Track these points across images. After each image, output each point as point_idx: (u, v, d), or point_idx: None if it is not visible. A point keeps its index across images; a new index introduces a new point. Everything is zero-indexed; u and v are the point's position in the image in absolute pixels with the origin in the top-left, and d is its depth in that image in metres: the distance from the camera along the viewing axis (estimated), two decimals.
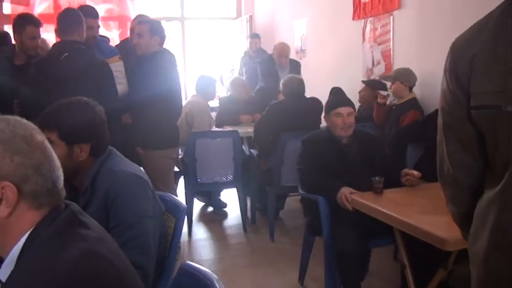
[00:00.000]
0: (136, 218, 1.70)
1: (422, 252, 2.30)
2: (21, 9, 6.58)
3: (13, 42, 3.47)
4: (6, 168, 0.96)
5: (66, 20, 3.03)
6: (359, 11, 4.98)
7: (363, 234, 2.55)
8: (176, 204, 2.01)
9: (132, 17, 7.05)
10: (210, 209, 4.93)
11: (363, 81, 4.38)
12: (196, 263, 3.26)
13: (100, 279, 0.97)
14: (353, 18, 5.06)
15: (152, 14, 7.66)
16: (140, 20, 3.74)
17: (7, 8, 6.71)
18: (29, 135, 1.01)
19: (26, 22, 3.21)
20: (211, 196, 4.89)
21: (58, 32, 3.03)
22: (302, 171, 2.89)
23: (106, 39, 3.91)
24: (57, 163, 1.07)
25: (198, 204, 4.92)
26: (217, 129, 4.77)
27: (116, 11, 7.27)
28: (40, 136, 1.05)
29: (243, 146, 4.38)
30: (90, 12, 3.44)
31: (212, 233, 4.33)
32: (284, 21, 6.79)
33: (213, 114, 5.01)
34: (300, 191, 2.94)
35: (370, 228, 2.53)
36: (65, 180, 1.76)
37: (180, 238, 1.95)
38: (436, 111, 1.35)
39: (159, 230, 1.84)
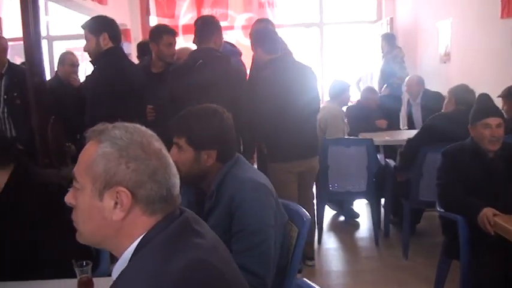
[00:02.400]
0: (258, 226, 1.69)
1: None
2: (166, 21, 7.12)
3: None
4: (122, 174, 0.99)
5: (202, 28, 3.14)
6: (508, 8, 4.43)
7: (506, 262, 2.22)
8: (300, 215, 1.95)
9: None
10: (342, 218, 4.79)
11: (499, 97, 3.82)
12: (325, 273, 3.14)
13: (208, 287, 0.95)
14: (501, 17, 4.52)
15: (291, 21, 7.81)
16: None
17: (153, 21, 7.31)
18: (146, 142, 1.03)
19: (162, 31, 3.43)
20: (343, 205, 4.76)
21: (195, 40, 3.16)
22: (441, 187, 2.62)
23: (237, 51, 4.02)
24: (174, 170, 1.07)
25: (330, 212, 4.82)
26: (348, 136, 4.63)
27: (255, 19, 7.50)
28: (158, 143, 1.06)
29: (378, 155, 4.17)
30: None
31: (342, 243, 4.19)
32: (427, 22, 6.35)
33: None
34: (438, 208, 2.67)
35: None
36: (192, 183, 1.83)
37: (302, 249, 1.88)
38: None
39: (280, 240, 1.81)
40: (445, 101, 3.74)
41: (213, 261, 0.99)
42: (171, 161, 1.08)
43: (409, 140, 3.76)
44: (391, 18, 7.16)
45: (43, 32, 7.39)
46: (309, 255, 3.59)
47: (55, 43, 7.46)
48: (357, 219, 4.70)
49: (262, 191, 1.75)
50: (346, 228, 4.56)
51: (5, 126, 3.56)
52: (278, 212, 1.81)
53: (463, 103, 3.50)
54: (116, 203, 1.00)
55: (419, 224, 4.25)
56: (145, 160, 1.01)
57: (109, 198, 1.00)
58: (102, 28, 2.88)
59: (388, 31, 7.00)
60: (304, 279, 1.31)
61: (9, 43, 4.49)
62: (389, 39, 6.29)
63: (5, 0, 6.44)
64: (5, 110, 3.54)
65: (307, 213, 1.95)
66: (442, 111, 3.77)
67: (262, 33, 3.34)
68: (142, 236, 1.01)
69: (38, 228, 1.79)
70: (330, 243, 4.18)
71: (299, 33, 8.03)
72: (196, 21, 3.28)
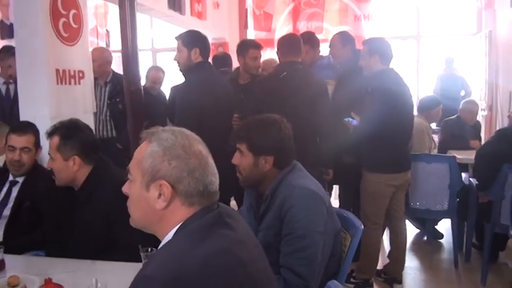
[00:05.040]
0: (306, 231, 1.79)
1: None
2: (263, 35, 7.37)
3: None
4: (164, 170, 1.17)
5: (287, 43, 3.33)
6: None
7: None
8: (354, 224, 2.01)
9: (366, 37, 7.22)
10: (426, 237, 4.63)
11: None
12: None
13: (228, 278, 1.07)
14: None
15: (387, 33, 7.69)
16: (364, 41, 3.80)
17: (251, 34, 7.61)
18: (188, 144, 1.20)
19: (248, 45, 3.64)
20: (426, 224, 4.61)
21: (279, 54, 3.34)
22: None
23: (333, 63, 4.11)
24: (212, 170, 1.22)
25: (413, 231, 4.69)
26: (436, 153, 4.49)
27: (351, 32, 7.50)
28: (199, 146, 1.22)
29: (463, 174, 4.00)
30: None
31: (421, 263, 4.08)
32: None
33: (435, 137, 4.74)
34: (511, 232, 2.55)
35: None
36: (252, 186, 1.98)
37: (352, 257, 1.94)
38: None
39: (329, 247, 1.88)
40: None
41: (237, 252, 1.11)
42: (210, 161, 1.23)
43: (478, 150, 3.62)
44: (490, 31, 6.78)
45: (148, 45, 8.08)
46: (397, 277, 3.50)
47: (158, 54, 8.08)
48: (441, 240, 4.53)
49: (313, 197, 1.84)
50: (427, 248, 4.42)
51: (107, 128, 3.99)
52: (330, 219, 1.89)
53: None
54: (160, 194, 1.17)
55: (505, 251, 4.00)
56: (185, 159, 1.18)
57: (154, 190, 1.18)
58: (194, 42, 3.10)
59: (487, 44, 6.68)
60: (334, 281, 1.37)
61: (117, 53, 5.02)
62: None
63: (111, 14, 7.16)
64: (107, 113, 3.97)
65: (361, 223, 2.01)
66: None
67: (381, 41, 3.37)
68: (180, 224, 1.17)
69: (111, 217, 2.06)
70: (408, 261, 4.06)
71: (395, 46, 7.87)
72: (280, 38, 3.48)
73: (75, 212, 2.18)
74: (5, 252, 2.00)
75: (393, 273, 3.52)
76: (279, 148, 1.93)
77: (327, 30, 7.61)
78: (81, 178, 2.17)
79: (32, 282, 1.79)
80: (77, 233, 2.15)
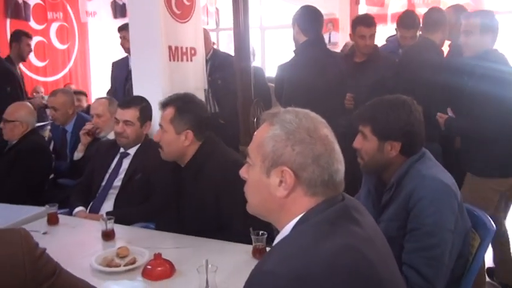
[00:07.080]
0: (435, 227, 1.60)
1: None
2: (375, 10, 6.97)
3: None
4: (287, 156, 1.06)
5: (428, 19, 3.22)
6: None
7: None
8: (485, 224, 1.79)
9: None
10: None
11: None
12: None
13: (355, 277, 0.95)
14: None
15: (509, 7, 6.90)
16: (467, 14, 3.38)
17: (363, 10, 7.23)
18: (313, 128, 1.07)
19: (356, 22, 3.45)
20: None
21: (422, 28, 3.26)
22: None
23: None
24: (338, 157, 1.09)
25: None
26: None
27: (469, 6, 6.87)
28: (326, 130, 1.10)
29: None
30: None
31: None
32: None
33: None
34: None
35: None
36: (373, 173, 1.81)
37: (481, 261, 1.71)
38: None
39: (459, 248, 1.69)
40: None
41: (365, 251, 0.99)
42: (336, 147, 1.10)
43: None
44: None
45: (257, 23, 8.03)
46: (509, 283, 3.06)
47: (266, 32, 8.00)
48: None
49: (445, 191, 1.64)
50: None
51: (209, 103, 4.03)
52: (461, 217, 1.68)
53: None
54: (281, 181, 1.07)
55: None
56: (310, 144, 1.06)
57: (275, 176, 1.07)
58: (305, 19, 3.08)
59: None
60: None
61: (226, 32, 5.02)
62: None
63: None
64: (209, 90, 4.00)
65: (493, 223, 1.77)
66: None
67: (494, 15, 2.79)
68: (302, 215, 1.06)
69: (220, 195, 2.02)
70: None
71: None
72: (426, 12, 3.36)
73: (182, 189, 2.16)
74: (115, 222, 2.06)
75: (502, 278, 3.10)
76: (407, 134, 1.71)
77: (444, 4, 7.04)
78: (190, 154, 2.13)
79: (141, 255, 1.81)
80: (186, 210, 2.14)
